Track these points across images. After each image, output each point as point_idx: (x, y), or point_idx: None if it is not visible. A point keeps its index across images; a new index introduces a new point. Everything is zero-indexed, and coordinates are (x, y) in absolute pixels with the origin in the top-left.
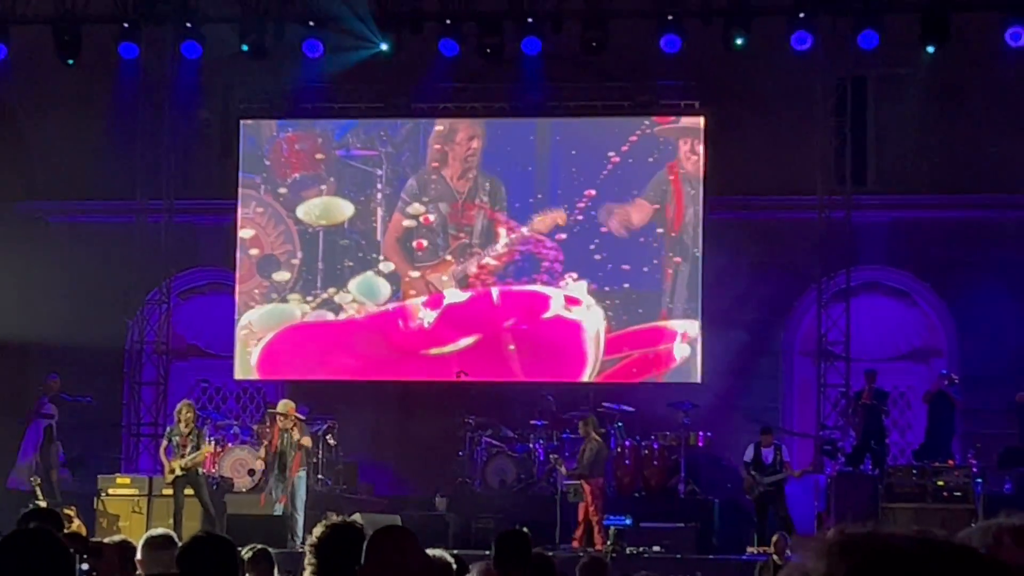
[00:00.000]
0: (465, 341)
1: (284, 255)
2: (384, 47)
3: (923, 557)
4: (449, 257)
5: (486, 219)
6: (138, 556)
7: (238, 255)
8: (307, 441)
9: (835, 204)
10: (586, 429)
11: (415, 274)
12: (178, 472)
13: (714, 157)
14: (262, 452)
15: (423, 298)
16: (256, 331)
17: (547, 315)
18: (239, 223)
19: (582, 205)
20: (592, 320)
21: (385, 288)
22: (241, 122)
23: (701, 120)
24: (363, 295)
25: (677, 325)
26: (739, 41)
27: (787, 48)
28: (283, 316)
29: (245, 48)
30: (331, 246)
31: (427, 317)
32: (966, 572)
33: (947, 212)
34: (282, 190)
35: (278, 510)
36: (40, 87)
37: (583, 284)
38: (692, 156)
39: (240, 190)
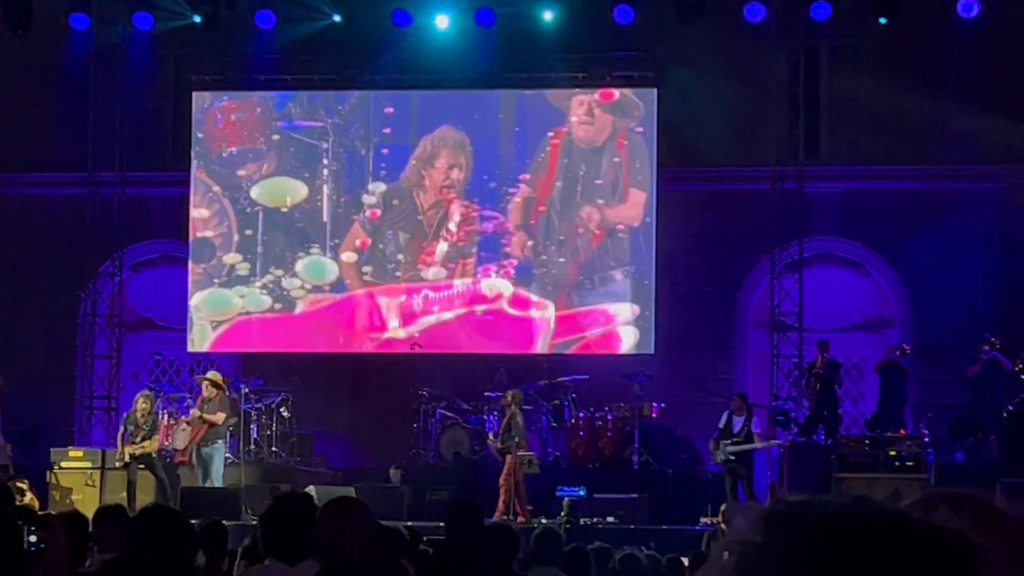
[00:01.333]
0: (413, 328)
1: (220, 236)
2: (337, 18)
3: (859, 524)
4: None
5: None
6: (90, 529)
7: (190, 233)
8: (216, 417)
9: (787, 175)
10: (507, 400)
11: (366, 268)
12: (127, 459)
13: (667, 128)
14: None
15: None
16: (207, 314)
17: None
18: (192, 200)
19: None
20: (542, 314)
21: (332, 269)
22: (194, 94)
23: (654, 91)
24: (310, 276)
25: (616, 308)
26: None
27: (740, 19)
28: (231, 303)
29: (197, 19)
30: (271, 226)
31: (384, 309)
32: (901, 537)
33: (899, 183)
34: (216, 166)
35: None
36: None
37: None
38: (642, 128)
39: (193, 163)
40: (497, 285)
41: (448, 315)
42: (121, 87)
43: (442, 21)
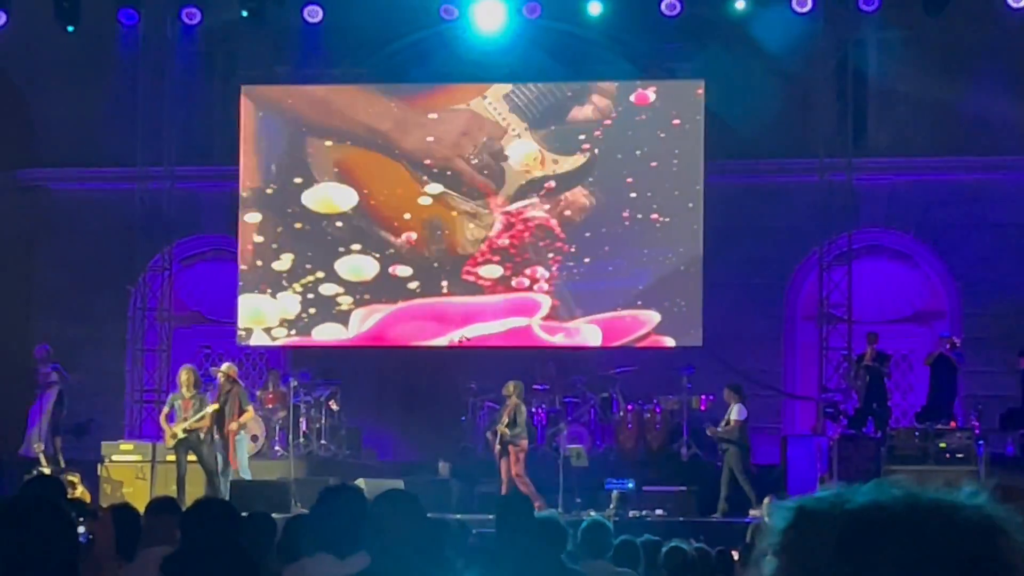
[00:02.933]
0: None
1: (270, 242)
2: (384, 13)
3: (915, 515)
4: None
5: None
6: (141, 522)
7: (240, 234)
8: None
9: (836, 167)
10: (508, 390)
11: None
12: (180, 435)
13: (714, 121)
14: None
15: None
16: (250, 318)
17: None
18: (241, 200)
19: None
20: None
21: (372, 267)
22: (242, 88)
23: (702, 84)
24: (350, 274)
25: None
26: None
27: (788, 11)
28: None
29: (245, 14)
30: (319, 233)
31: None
32: (953, 528)
33: (948, 174)
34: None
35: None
36: (40, 54)
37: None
38: (680, 120)
39: (241, 159)
40: (538, 299)
41: (494, 327)
42: (169, 82)
43: (488, 16)
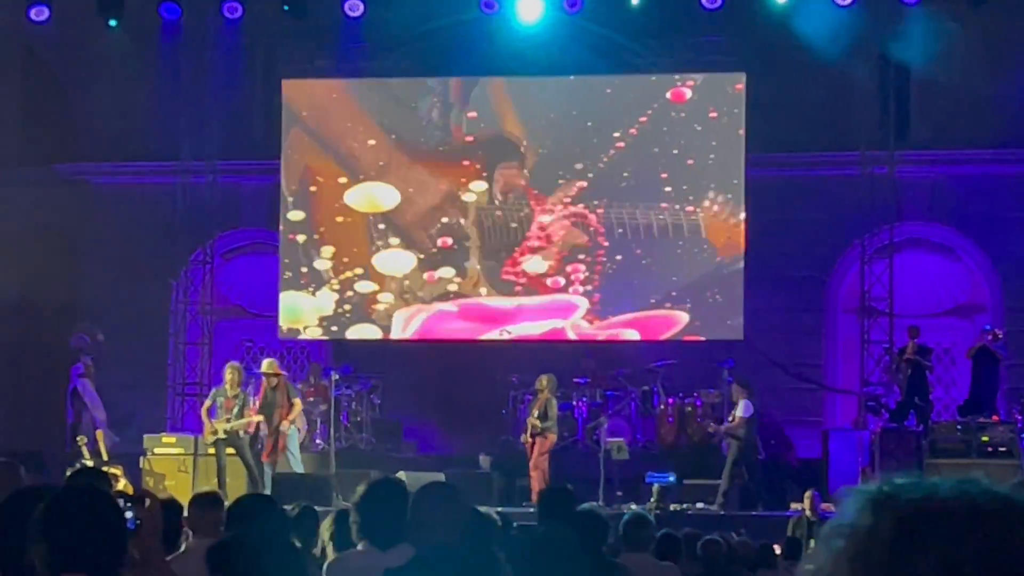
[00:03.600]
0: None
1: (311, 239)
2: (423, 7)
3: (972, 507)
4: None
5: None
6: (185, 514)
7: (281, 232)
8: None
9: (878, 160)
10: (541, 384)
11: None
12: (220, 435)
13: (755, 114)
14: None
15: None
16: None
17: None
18: (283, 199)
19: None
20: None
21: (409, 261)
22: (283, 83)
23: (743, 77)
24: (384, 269)
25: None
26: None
27: (830, 3)
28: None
29: (286, 8)
30: (365, 231)
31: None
32: (1012, 521)
33: (991, 167)
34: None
35: (297, 468)
36: (83, 48)
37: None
38: (717, 113)
39: (283, 152)
40: (575, 301)
41: (533, 329)
42: (211, 76)
43: (528, 7)
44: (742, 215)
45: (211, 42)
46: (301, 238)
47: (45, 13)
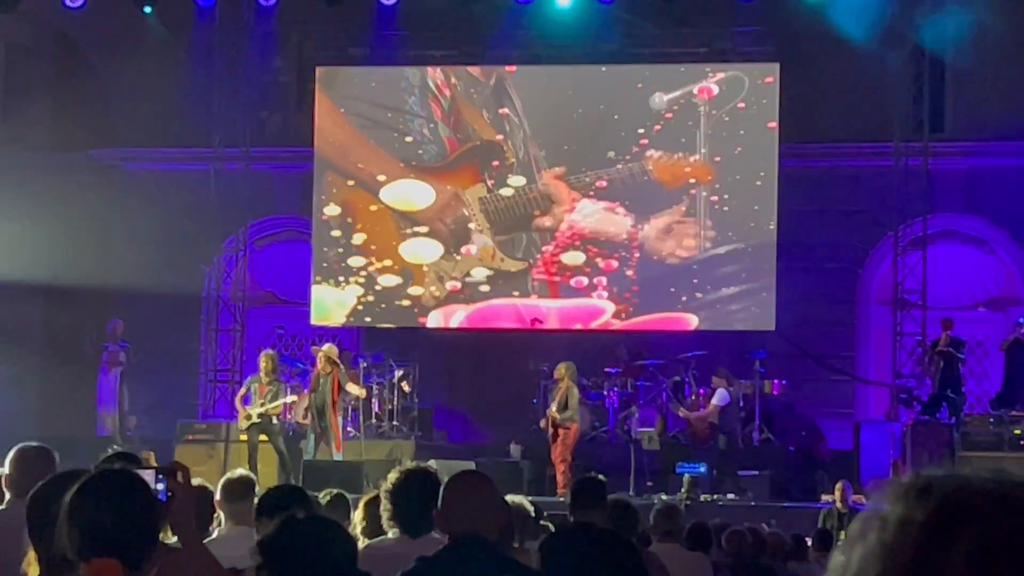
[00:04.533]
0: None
1: (346, 236)
2: None
3: (1005, 498)
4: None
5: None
6: (217, 498)
7: (314, 227)
8: (361, 392)
9: (912, 151)
10: (564, 374)
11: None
12: (254, 419)
13: (789, 105)
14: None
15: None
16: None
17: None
18: (322, 188)
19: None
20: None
21: (436, 249)
22: (316, 69)
23: (776, 67)
24: (410, 257)
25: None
26: None
27: None
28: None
29: None
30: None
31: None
32: None
33: None
34: (361, 164)
35: (337, 456)
36: (117, 35)
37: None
38: (744, 103)
39: (316, 141)
40: (602, 305)
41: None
42: (245, 63)
43: None
44: (775, 205)
45: (245, 28)
46: (336, 233)
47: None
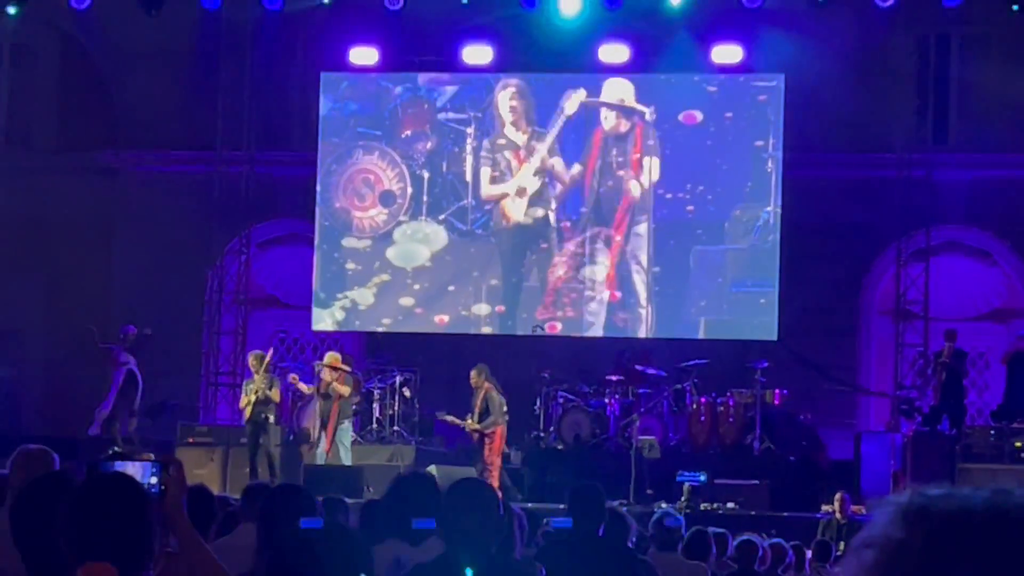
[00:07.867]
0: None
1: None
2: (464, 1)
3: (1003, 522)
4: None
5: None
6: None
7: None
8: (344, 390)
9: (916, 162)
10: (479, 379)
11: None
12: (252, 401)
13: (793, 115)
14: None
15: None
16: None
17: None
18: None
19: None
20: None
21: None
22: (321, 74)
23: (781, 77)
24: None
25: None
26: None
27: (869, 5)
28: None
29: (326, 0)
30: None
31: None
32: None
33: None
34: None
35: (346, 460)
36: (122, 37)
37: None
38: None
39: (320, 142)
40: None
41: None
42: (250, 67)
43: (569, 4)
44: (779, 216)
45: (250, 32)
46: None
47: (86, 1)
